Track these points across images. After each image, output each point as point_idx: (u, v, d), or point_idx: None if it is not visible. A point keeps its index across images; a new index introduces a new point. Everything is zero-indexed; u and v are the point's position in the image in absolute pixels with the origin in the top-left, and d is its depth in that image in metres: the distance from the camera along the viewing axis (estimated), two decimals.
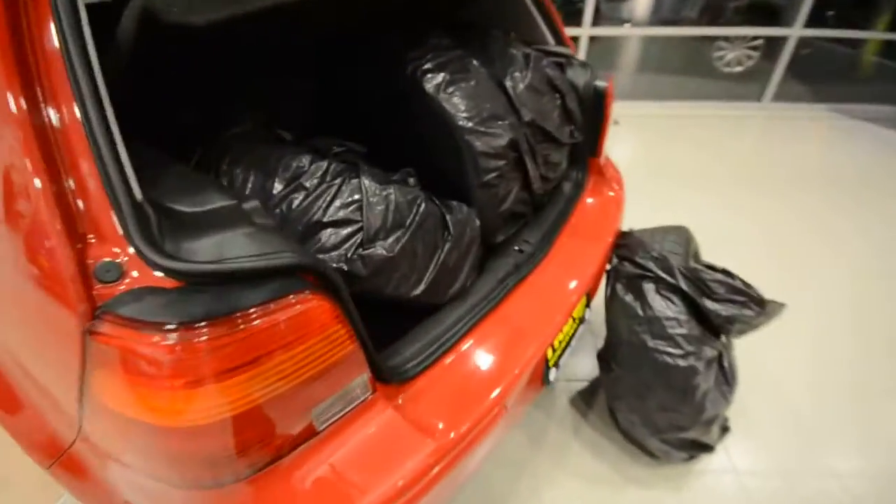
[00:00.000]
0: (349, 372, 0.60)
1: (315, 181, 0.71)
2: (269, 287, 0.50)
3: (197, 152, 0.77)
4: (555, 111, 1.15)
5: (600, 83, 1.26)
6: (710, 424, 1.15)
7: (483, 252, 1.06)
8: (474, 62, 1.04)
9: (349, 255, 0.69)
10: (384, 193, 0.73)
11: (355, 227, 0.70)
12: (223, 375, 0.48)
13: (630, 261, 1.20)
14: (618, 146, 3.50)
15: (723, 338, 1.18)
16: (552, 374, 1.01)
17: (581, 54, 4.04)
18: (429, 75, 0.94)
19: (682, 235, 1.27)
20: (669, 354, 1.07)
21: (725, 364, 1.20)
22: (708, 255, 1.34)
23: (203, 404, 0.48)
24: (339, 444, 0.62)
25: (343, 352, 0.57)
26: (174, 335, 0.46)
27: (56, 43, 0.48)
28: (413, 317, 0.86)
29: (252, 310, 0.49)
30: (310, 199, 0.70)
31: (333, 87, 1.14)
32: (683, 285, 1.08)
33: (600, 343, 1.29)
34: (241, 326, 0.48)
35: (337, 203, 0.70)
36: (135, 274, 0.48)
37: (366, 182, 0.72)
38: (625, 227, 1.39)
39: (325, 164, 0.73)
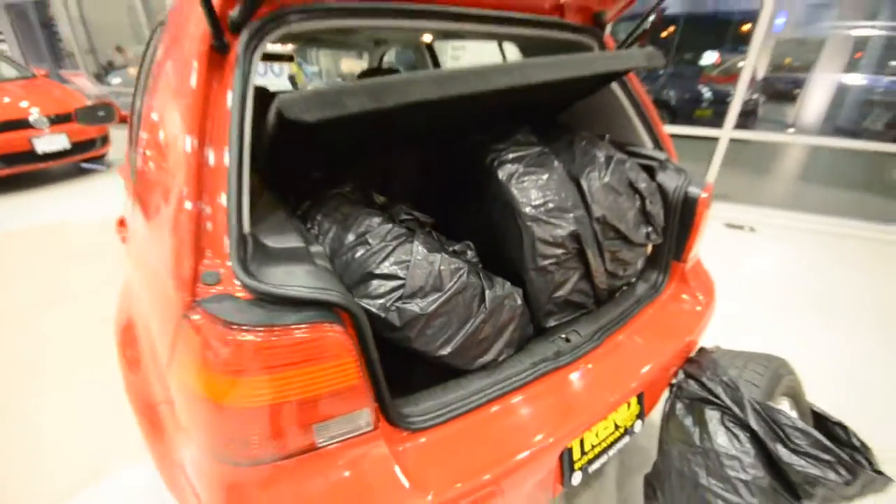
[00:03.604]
0: (353, 402, 0.69)
1: (377, 240, 0.86)
2: (308, 313, 0.64)
3: (306, 203, 1.00)
4: (631, 211, 1.17)
5: (694, 189, 1.24)
6: None
7: (531, 333, 1.09)
8: (553, 159, 1.14)
9: (388, 304, 0.81)
10: (430, 260, 0.85)
11: (398, 283, 0.82)
12: (258, 371, 0.62)
13: (697, 380, 1.09)
14: (744, 255, 3.16)
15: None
16: (576, 477, 0.95)
17: (719, 155, 3.84)
18: (504, 165, 1.07)
19: (770, 366, 1.11)
20: (723, 500, 0.92)
21: None
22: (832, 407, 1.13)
23: (239, 391, 0.62)
24: (332, 463, 0.70)
25: (351, 382, 0.67)
26: (234, 334, 0.61)
27: (229, 104, 0.72)
28: (441, 376, 0.92)
29: (291, 326, 0.62)
30: (370, 253, 0.85)
31: (426, 166, 1.35)
32: (753, 423, 0.95)
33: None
34: (281, 337, 0.62)
35: (390, 260, 0.84)
36: (225, 283, 0.66)
37: (417, 247, 0.85)
38: (712, 344, 1.27)
39: (389, 226, 0.88)
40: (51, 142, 4.54)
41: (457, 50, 4.63)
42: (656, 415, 1.20)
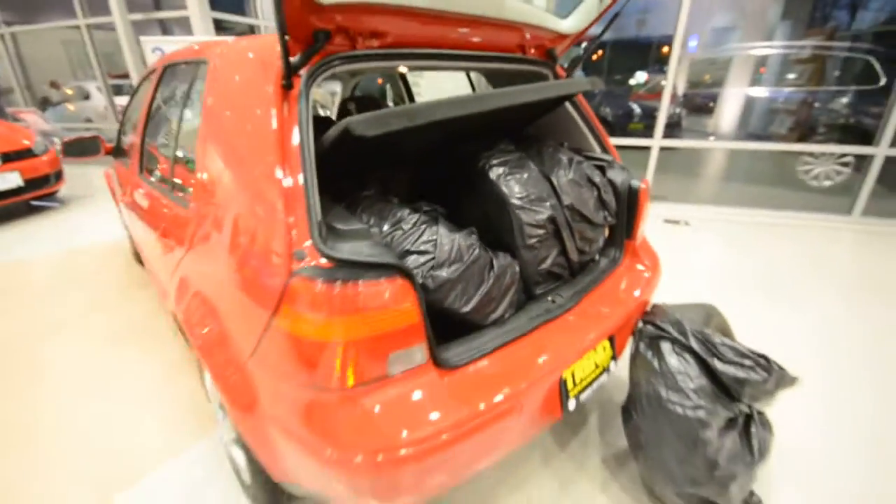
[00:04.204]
0: (414, 337, 0.93)
1: (409, 225, 1.12)
2: (376, 272, 0.88)
3: (344, 203, 1.23)
4: (591, 200, 1.50)
5: (635, 182, 1.59)
6: (726, 486, 1.23)
7: (525, 299, 1.37)
8: (529, 162, 1.45)
9: (424, 273, 1.06)
10: (451, 238, 1.11)
11: (430, 256, 1.08)
12: (344, 314, 0.85)
13: (652, 324, 1.41)
14: (682, 244, 3.64)
15: (747, 407, 1.29)
16: (571, 403, 1.23)
17: (652, 161, 4.39)
18: (494, 168, 1.36)
19: (704, 310, 1.46)
20: (680, 405, 1.23)
21: (753, 437, 1.29)
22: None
23: (332, 329, 0.84)
24: (398, 387, 0.94)
25: (412, 321, 0.92)
26: (324, 287, 0.84)
27: (296, 140, 0.96)
28: (463, 331, 1.18)
29: (366, 281, 0.86)
30: (405, 235, 1.10)
31: (430, 173, 1.63)
32: (694, 345, 1.27)
33: None
34: (358, 289, 0.86)
35: (421, 240, 1.09)
36: (310, 257, 0.89)
37: (441, 229, 1.11)
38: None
39: (417, 216, 1.14)
40: (3, 180, 4.41)
41: (416, 77, 4.99)
42: (625, 372, 1.50)
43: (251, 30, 7.34)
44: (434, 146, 1.59)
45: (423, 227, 1.12)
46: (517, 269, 1.26)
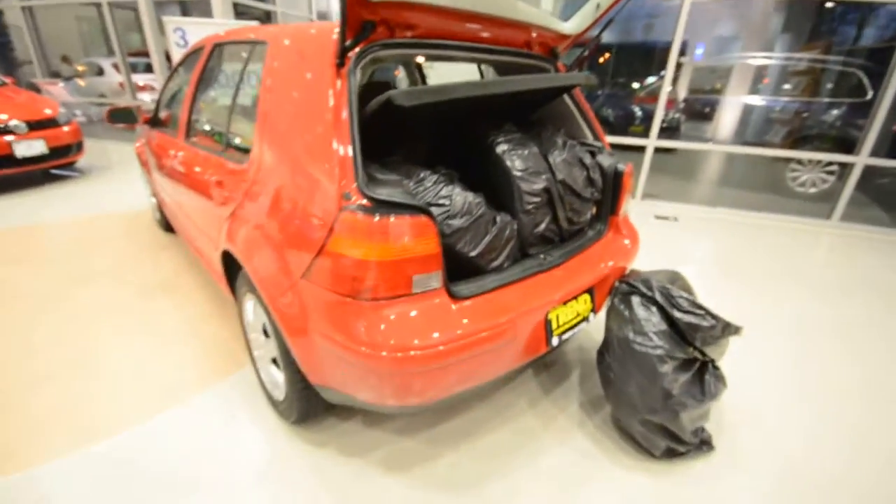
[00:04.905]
0: (433, 265, 1.19)
1: (430, 183, 1.37)
2: (407, 210, 1.14)
3: (375, 165, 1.49)
4: (581, 177, 1.75)
5: (621, 166, 1.85)
6: (678, 414, 1.49)
7: (521, 256, 1.63)
8: (530, 142, 1.70)
9: (440, 221, 1.32)
10: (464, 196, 1.36)
11: (446, 208, 1.33)
12: (381, 239, 1.10)
13: (627, 283, 1.67)
14: (669, 236, 3.91)
15: (701, 355, 1.55)
16: (555, 340, 1.49)
17: (647, 160, 4.65)
18: (500, 144, 1.62)
19: (670, 274, 1.72)
20: (643, 345, 1.49)
21: (706, 382, 1.56)
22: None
23: (371, 251, 1.10)
24: (418, 303, 1.19)
25: (432, 251, 1.17)
26: (366, 219, 1.10)
27: (346, 106, 1.22)
28: (469, 276, 1.44)
29: (397, 216, 1.12)
30: (426, 190, 1.35)
31: (445, 147, 1.89)
32: (658, 298, 1.54)
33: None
34: (390, 221, 1.11)
35: (440, 195, 1.34)
36: (355, 198, 1.15)
37: (455, 188, 1.37)
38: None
39: (436, 176, 1.40)
40: (30, 147, 4.63)
41: (426, 69, 5.23)
42: (600, 334, 1.77)
43: (267, 15, 7.55)
44: (451, 125, 1.85)
45: (441, 185, 1.38)
46: (515, 226, 1.52)
